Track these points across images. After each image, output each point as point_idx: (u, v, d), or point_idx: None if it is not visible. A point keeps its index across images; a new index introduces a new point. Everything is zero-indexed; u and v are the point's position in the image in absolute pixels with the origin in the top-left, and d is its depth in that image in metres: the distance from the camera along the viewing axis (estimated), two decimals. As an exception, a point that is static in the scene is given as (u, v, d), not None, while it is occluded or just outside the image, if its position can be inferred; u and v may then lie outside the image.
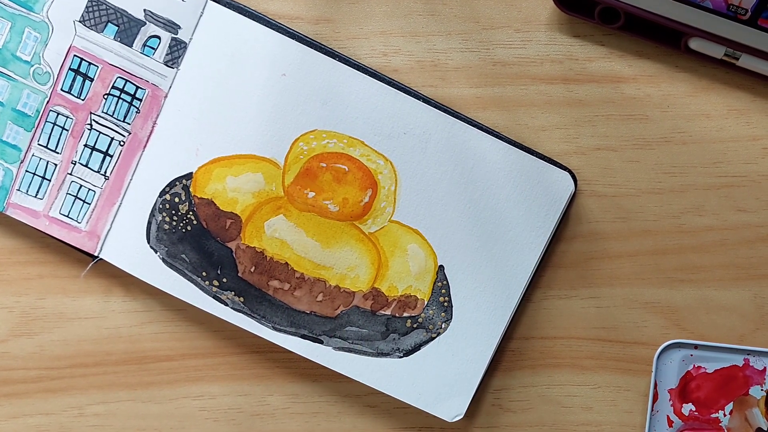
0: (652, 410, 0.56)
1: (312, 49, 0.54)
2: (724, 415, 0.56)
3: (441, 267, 0.55)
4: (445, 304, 0.55)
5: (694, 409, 0.56)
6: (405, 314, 0.55)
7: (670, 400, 0.56)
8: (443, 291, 0.55)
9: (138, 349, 0.57)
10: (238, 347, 0.57)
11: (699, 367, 0.56)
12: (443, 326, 0.55)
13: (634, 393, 0.57)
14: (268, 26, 0.54)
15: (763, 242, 0.56)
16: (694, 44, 0.54)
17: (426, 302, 0.55)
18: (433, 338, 0.55)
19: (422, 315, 0.55)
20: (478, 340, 0.55)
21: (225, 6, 0.54)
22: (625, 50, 0.56)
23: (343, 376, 0.56)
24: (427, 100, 0.54)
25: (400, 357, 0.55)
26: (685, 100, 0.56)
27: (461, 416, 0.56)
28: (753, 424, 0.56)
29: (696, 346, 0.55)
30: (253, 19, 0.54)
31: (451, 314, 0.55)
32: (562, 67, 0.56)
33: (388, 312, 0.55)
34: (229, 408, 0.58)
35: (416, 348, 0.55)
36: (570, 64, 0.56)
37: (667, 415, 0.56)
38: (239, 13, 0.54)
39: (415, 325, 0.55)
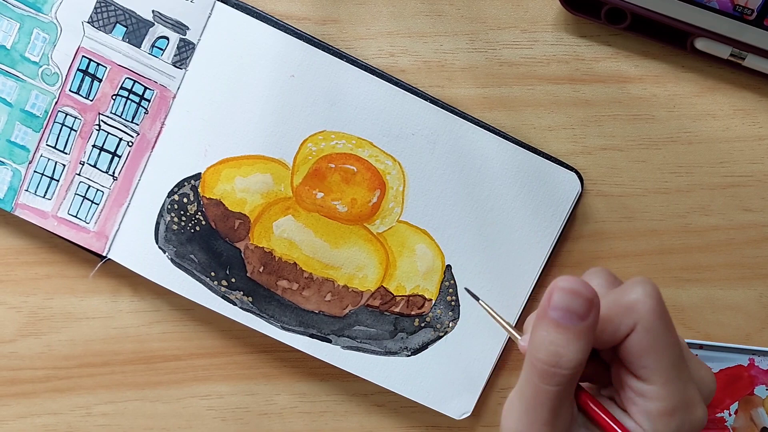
0: (658, 409, 0.56)
1: (319, 50, 0.54)
2: (729, 415, 0.56)
3: (448, 267, 0.55)
4: (453, 303, 0.55)
5: (699, 407, 0.56)
6: (413, 313, 0.55)
7: (676, 398, 0.56)
8: (450, 290, 0.55)
9: (146, 348, 0.58)
10: (246, 347, 0.58)
11: (705, 366, 0.56)
12: (450, 325, 0.55)
13: (640, 392, 0.57)
14: (275, 27, 0.54)
15: (769, 242, 0.56)
16: (700, 44, 0.54)
17: (433, 301, 0.55)
18: (440, 337, 0.56)
19: (430, 314, 0.55)
20: (485, 339, 0.55)
21: (233, 7, 0.54)
22: (631, 50, 0.56)
23: (350, 375, 0.56)
24: (434, 101, 0.54)
25: (408, 356, 0.56)
26: (691, 100, 0.56)
27: (468, 414, 0.56)
28: (758, 423, 0.56)
29: (701, 346, 0.56)
30: (261, 20, 0.54)
31: (459, 313, 0.55)
32: (569, 67, 0.56)
33: (396, 311, 0.55)
34: (236, 407, 0.58)
35: (424, 347, 0.56)
36: (576, 65, 0.56)
37: (674, 414, 0.56)
38: (247, 14, 0.54)
39: (422, 324, 0.55)
